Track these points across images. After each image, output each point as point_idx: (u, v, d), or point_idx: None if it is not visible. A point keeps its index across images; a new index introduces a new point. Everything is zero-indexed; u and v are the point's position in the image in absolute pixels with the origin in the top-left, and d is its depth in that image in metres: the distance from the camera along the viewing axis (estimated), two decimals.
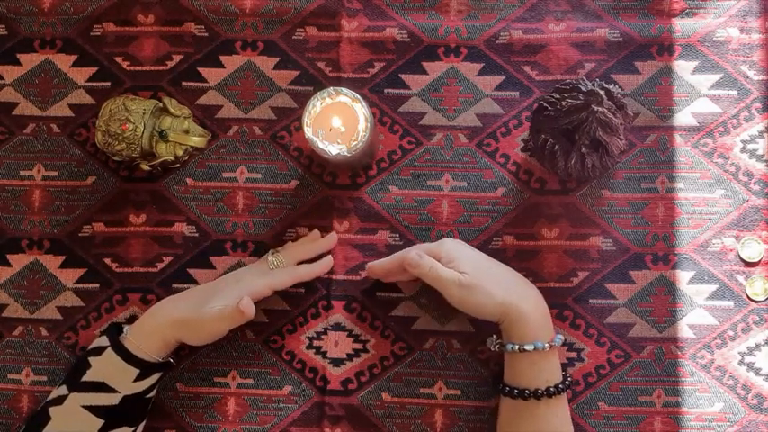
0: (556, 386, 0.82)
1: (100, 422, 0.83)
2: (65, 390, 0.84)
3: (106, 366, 0.84)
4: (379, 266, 0.90)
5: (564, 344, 0.91)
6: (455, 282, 0.84)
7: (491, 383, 0.89)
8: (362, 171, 0.94)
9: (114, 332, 0.86)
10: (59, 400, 0.83)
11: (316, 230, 0.93)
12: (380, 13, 0.96)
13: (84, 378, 0.83)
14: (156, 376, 0.86)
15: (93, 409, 0.83)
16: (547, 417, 0.82)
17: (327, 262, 0.92)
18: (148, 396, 0.86)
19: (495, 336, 0.87)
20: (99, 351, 0.85)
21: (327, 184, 0.94)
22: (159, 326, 0.85)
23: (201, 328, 0.86)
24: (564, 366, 0.90)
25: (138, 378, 0.84)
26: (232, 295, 0.85)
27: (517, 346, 0.82)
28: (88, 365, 0.84)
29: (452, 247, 0.87)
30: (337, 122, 0.85)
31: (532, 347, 0.82)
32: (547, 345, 0.82)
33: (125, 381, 0.84)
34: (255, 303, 0.86)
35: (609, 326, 0.91)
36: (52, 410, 0.83)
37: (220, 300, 0.85)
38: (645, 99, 0.94)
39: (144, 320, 0.86)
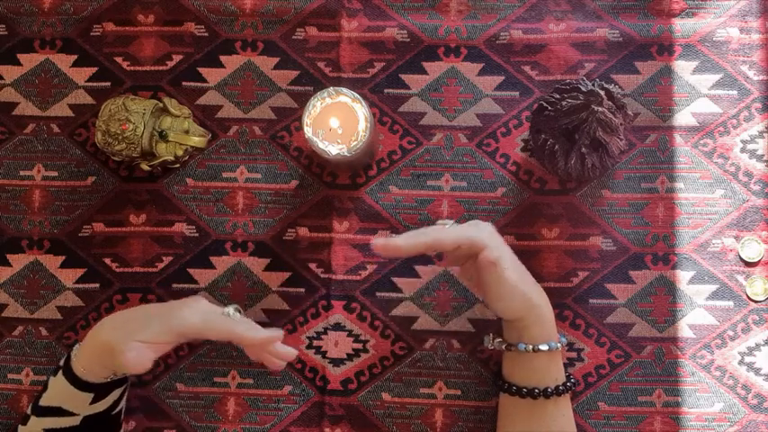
0: (564, 384, 0.82)
1: None
2: (30, 409, 0.81)
3: (60, 390, 0.79)
4: (405, 245, 0.78)
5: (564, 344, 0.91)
6: (497, 259, 0.78)
7: (492, 382, 0.89)
8: (362, 171, 0.94)
9: (72, 350, 0.81)
10: (24, 420, 0.81)
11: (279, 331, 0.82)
12: (380, 13, 0.96)
13: (42, 402, 0.80)
14: (116, 393, 0.81)
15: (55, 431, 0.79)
16: (554, 415, 0.82)
17: (274, 334, 0.80)
18: (114, 413, 0.82)
19: (492, 334, 0.86)
20: (56, 371, 0.81)
21: (327, 184, 0.94)
22: (94, 350, 0.79)
23: (118, 359, 0.77)
24: (564, 366, 0.90)
25: (95, 401, 0.80)
26: (194, 312, 0.79)
27: (531, 347, 0.81)
28: (45, 387, 0.81)
29: (491, 239, 0.80)
30: (335, 123, 0.85)
31: (547, 348, 0.81)
32: (559, 345, 0.82)
33: (81, 404, 0.79)
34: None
35: (609, 326, 0.91)
36: (20, 430, 0.81)
37: (190, 308, 0.79)
38: (645, 99, 0.94)
39: (85, 342, 0.80)
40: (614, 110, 0.84)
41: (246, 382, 0.92)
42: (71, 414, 0.80)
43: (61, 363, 0.81)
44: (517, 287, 0.80)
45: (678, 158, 0.93)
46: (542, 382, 0.82)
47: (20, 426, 0.82)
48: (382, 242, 0.78)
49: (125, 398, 0.85)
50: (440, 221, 0.83)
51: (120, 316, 0.81)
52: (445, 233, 0.79)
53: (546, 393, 0.81)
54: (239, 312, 0.81)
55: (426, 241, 0.78)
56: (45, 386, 0.82)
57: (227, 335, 0.79)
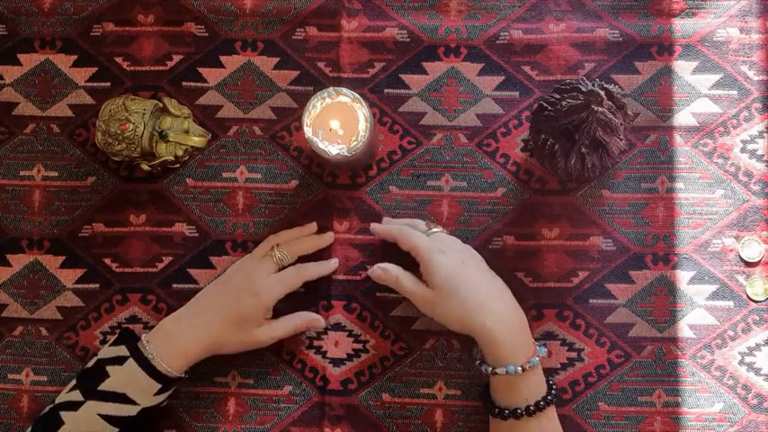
0: (536, 403, 0.80)
1: (115, 431, 0.83)
2: (79, 396, 0.83)
3: (127, 378, 0.83)
4: (380, 232, 0.90)
5: (564, 344, 0.91)
6: (422, 296, 0.85)
7: (481, 398, 0.87)
8: (362, 171, 0.94)
9: (132, 342, 0.85)
10: (73, 406, 0.83)
11: (313, 223, 0.93)
12: (380, 13, 0.96)
13: (103, 387, 0.83)
14: (173, 389, 0.87)
15: (109, 419, 0.82)
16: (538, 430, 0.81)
17: (334, 264, 0.92)
18: (161, 407, 0.87)
19: (477, 347, 0.85)
20: (119, 361, 0.84)
21: (327, 184, 0.94)
22: (195, 349, 0.85)
23: (244, 348, 0.88)
24: (564, 366, 0.90)
25: (160, 392, 0.84)
26: (261, 315, 0.87)
27: (491, 368, 0.81)
28: (106, 374, 0.83)
29: (428, 255, 0.84)
30: (336, 125, 0.85)
31: (504, 371, 0.80)
32: (519, 368, 0.80)
33: (146, 394, 0.83)
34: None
35: (609, 326, 0.91)
36: (65, 415, 0.82)
37: (254, 324, 0.86)
38: (645, 99, 0.94)
39: (169, 341, 0.85)
40: (614, 110, 0.84)
41: (246, 382, 0.92)
42: (133, 403, 0.83)
43: (118, 353, 0.84)
44: (442, 306, 0.84)
45: (678, 158, 0.93)
46: (511, 402, 0.81)
47: (63, 412, 0.82)
48: (375, 227, 0.90)
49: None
50: (432, 224, 0.89)
51: (199, 320, 0.86)
52: (400, 233, 0.87)
53: (516, 414, 0.80)
54: (282, 250, 0.89)
55: (392, 232, 0.88)
56: (90, 375, 0.84)
57: (300, 283, 0.90)
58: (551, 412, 0.82)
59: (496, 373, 0.81)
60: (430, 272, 0.84)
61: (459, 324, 0.84)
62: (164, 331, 0.86)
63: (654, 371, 0.90)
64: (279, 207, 0.94)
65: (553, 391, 0.82)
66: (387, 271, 0.87)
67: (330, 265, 0.92)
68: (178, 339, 0.85)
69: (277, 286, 0.88)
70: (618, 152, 0.86)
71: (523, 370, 0.80)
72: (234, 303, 0.86)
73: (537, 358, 0.82)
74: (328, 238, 0.93)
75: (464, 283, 0.84)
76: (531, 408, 0.80)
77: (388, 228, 0.90)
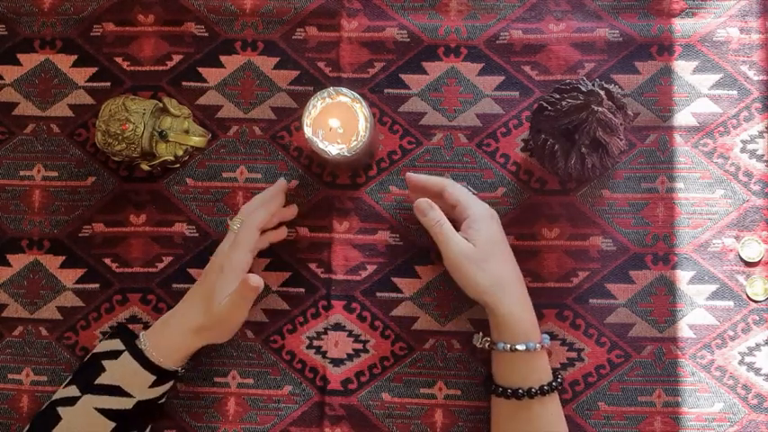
0: (549, 384, 0.82)
1: (112, 425, 0.83)
2: (75, 391, 0.83)
3: (122, 371, 0.83)
4: (416, 180, 0.89)
5: (564, 344, 0.91)
6: (459, 250, 0.83)
7: (483, 384, 0.89)
8: (362, 171, 0.94)
9: (127, 336, 0.86)
10: (70, 401, 0.83)
11: (277, 184, 0.92)
12: (380, 13, 0.96)
13: (99, 381, 0.83)
14: (169, 383, 0.86)
15: (105, 412, 0.82)
16: (541, 416, 0.82)
17: (292, 209, 0.92)
18: (160, 402, 0.87)
19: (481, 333, 0.87)
20: (114, 355, 0.84)
21: (327, 184, 0.94)
22: (182, 338, 0.85)
23: (221, 324, 0.86)
24: (564, 366, 0.90)
25: (154, 384, 0.84)
26: (228, 283, 0.85)
27: (509, 346, 0.82)
28: (102, 368, 0.84)
29: (483, 216, 0.85)
30: (335, 123, 0.85)
31: (524, 347, 0.82)
32: (538, 345, 0.82)
33: (141, 386, 0.83)
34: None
35: (609, 326, 0.91)
36: (62, 410, 0.83)
37: (222, 292, 0.85)
38: (645, 99, 0.94)
39: (162, 333, 0.85)
40: (614, 110, 0.84)
41: (246, 382, 0.92)
42: (128, 396, 0.83)
43: (113, 347, 0.84)
44: (477, 266, 0.83)
45: (678, 158, 0.93)
46: (526, 381, 0.82)
47: (60, 407, 0.83)
48: (411, 175, 0.90)
49: (166, 396, 0.88)
50: (467, 185, 0.90)
51: (183, 308, 0.87)
52: (453, 187, 0.87)
53: (530, 393, 0.81)
54: (235, 217, 0.89)
55: (442, 182, 0.88)
56: (85, 370, 0.84)
57: (263, 241, 0.90)
58: (557, 397, 0.84)
59: (516, 350, 0.81)
60: (478, 228, 0.84)
61: (483, 289, 0.83)
62: (158, 325, 0.86)
63: (654, 371, 0.90)
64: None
65: (560, 377, 0.84)
66: (433, 209, 0.85)
67: (289, 211, 0.92)
68: (170, 330, 0.85)
69: (240, 253, 0.86)
70: (618, 152, 0.86)
71: (541, 347, 0.82)
72: (206, 289, 0.86)
73: (547, 337, 0.84)
74: (290, 212, 0.92)
75: (505, 251, 0.86)
76: (545, 387, 0.82)
77: (436, 178, 0.89)
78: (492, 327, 0.85)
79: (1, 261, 0.95)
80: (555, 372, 0.85)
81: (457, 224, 0.86)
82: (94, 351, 0.86)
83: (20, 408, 0.92)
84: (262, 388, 0.92)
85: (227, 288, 0.84)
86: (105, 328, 0.93)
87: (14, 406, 0.93)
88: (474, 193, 0.89)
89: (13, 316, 0.94)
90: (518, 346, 0.82)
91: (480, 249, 0.83)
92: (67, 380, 0.85)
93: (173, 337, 0.85)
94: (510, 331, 0.82)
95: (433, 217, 0.85)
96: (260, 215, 0.88)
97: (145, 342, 0.84)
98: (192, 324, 0.85)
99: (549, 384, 0.82)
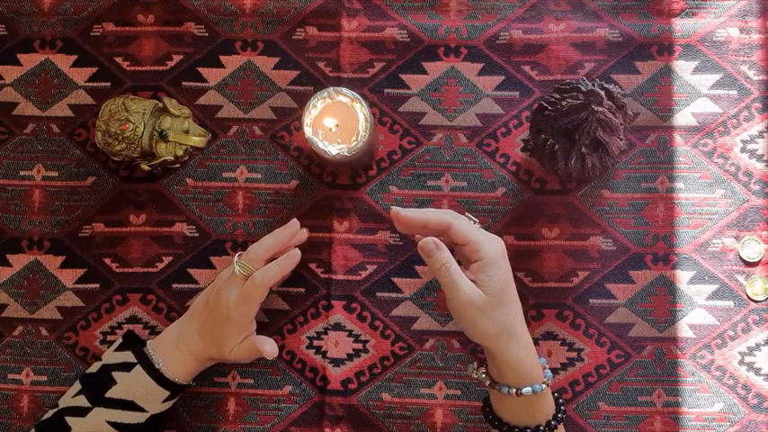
0: (555, 417, 0.79)
1: None
2: (85, 401, 0.83)
3: (135, 385, 0.83)
4: (412, 217, 0.79)
5: (564, 344, 0.91)
6: (468, 299, 0.76)
7: (482, 411, 0.84)
8: (362, 171, 0.94)
9: (137, 348, 0.85)
10: (80, 412, 0.82)
11: (290, 226, 0.88)
12: (380, 13, 0.96)
13: (110, 394, 0.83)
14: (180, 395, 0.88)
15: (118, 426, 0.83)
16: None
17: (296, 254, 0.86)
18: (167, 412, 0.88)
19: (476, 363, 0.84)
20: (125, 367, 0.84)
21: (327, 184, 0.94)
22: (195, 363, 0.86)
23: (235, 361, 0.87)
24: (564, 366, 0.90)
25: (168, 399, 0.85)
26: (236, 334, 0.84)
27: (515, 390, 0.77)
28: (113, 381, 0.83)
29: (496, 258, 0.78)
30: (331, 123, 0.85)
31: (530, 391, 0.76)
32: (544, 386, 0.77)
33: (155, 401, 0.84)
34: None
35: (609, 326, 0.91)
36: (71, 421, 0.82)
37: (230, 341, 0.85)
38: (645, 99, 0.94)
39: (175, 350, 0.85)
40: (614, 110, 0.84)
41: (246, 382, 0.92)
42: (141, 410, 0.83)
43: (124, 359, 0.84)
44: (486, 316, 0.76)
45: (678, 158, 0.93)
46: (534, 420, 0.78)
47: (69, 417, 0.82)
48: (402, 212, 0.80)
49: None
50: (468, 214, 0.82)
51: (193, 331, 0.86)
52: (459, 224, 0.78)
53: (538, 430, 0.78)
54: (242, 262, 0.85)
55: (445, 219, 0.78)
56: (95, 381, 0.84)
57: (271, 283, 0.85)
58: (562, 427, 0.81)
59: (522, 394, 0.76)
60: (492, 274, 0.77)
61: (490, 337, 0.77)
62: (169, 340, 0.86)
63: (654, 371, 0.90)
64: (279, 207, 0.94)
65: (562, 408, 0.80)
66: (440, 250, 0.76)
67: (294, 255, 0.85)
68: (183, 349, 0.85)
69: (246, 306, 0.84)
70: (618, 152, 0.86)
71: (547, 386, 0.78)
72: (216, 325, 0.85)
73: (549, 371, 0.80)
74: (297, 237, 0.89)
75: (513, 292, 0.79)
76: (552, 422, 0.78)
77: (437, 214, 0.79)
78: (491, 366, 0.80)
79: (1, 261, 0.95)
80: (557, 400, 0.81)
81: (464, 260, 0.81)
82: (104, 361, 0.85)
83: (20, 408, 0.92)
84: (262, 388, 0.92)
85: (235, 338, 0.85)
86: (105, 328, 0.93)
87: (14, 406, 0.93)
88: (475, 222, 0.81)
89: (13, 316, 0.94)
90: (524, 390, 0.76)
91: (491, 298, 0.76)
92: (75, 388, 0.85)
93: (186, 361, 0.85)
94: (513, 374, 0.77)
95: (440, 259, 0.76)
96: (272, 274, 0.84)
97: (158, 359, 0.84)
98: (204, 356, 0.86)
99: (555, 417, 0.79)
